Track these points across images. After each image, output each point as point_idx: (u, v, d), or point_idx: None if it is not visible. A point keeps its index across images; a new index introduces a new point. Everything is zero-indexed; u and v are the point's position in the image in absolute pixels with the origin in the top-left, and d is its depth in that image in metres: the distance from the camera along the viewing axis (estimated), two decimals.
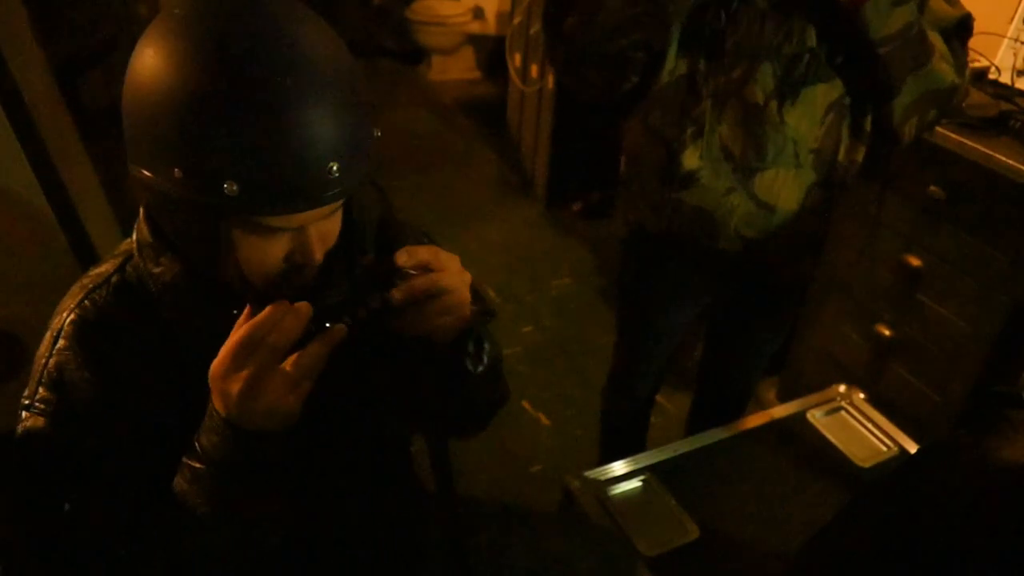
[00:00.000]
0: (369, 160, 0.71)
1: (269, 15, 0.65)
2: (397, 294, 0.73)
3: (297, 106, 0.63)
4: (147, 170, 0.67)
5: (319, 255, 0.73)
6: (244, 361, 0.67)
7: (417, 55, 4.91)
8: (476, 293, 0.88)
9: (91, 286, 0.79)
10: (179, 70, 0.62)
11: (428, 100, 4.63)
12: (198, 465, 0.71)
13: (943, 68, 1.23)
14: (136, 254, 0.79)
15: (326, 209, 0.70)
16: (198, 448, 0.71)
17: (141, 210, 0.79)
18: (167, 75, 0.63)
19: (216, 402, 0.70)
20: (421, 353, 0.85)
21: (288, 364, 0.68)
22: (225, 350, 0.68)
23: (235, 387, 0.67)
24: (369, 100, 0.71)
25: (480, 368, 0.85)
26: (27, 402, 0.77)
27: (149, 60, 0.64)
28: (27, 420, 0.77)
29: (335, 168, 0.66)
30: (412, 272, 0.74)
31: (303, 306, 0.68)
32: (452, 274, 0.76)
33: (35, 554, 0.84)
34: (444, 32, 4.59)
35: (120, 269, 0.80)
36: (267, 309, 0.67)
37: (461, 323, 0.80)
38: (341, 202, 0.72)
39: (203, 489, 0.72)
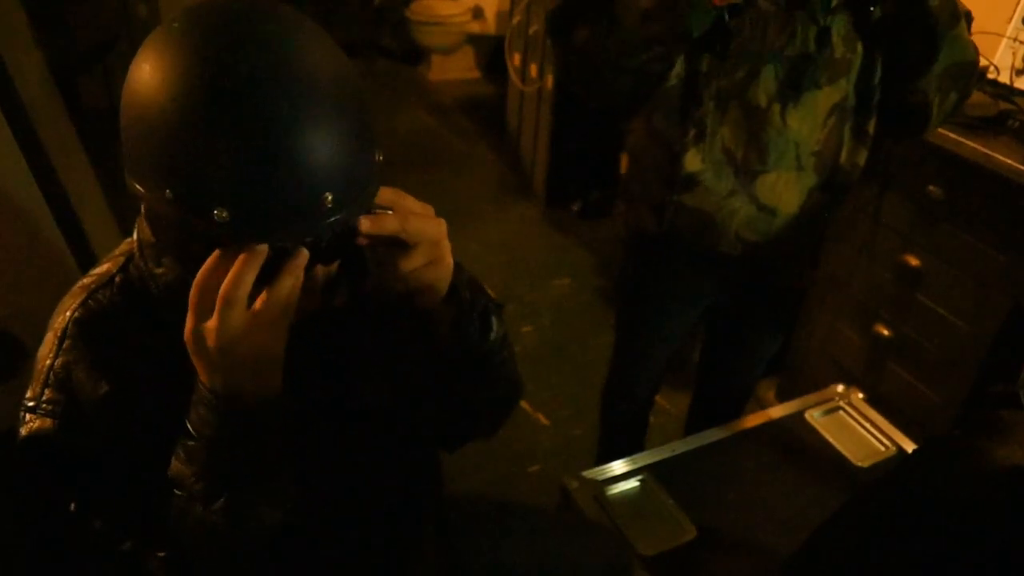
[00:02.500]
0: (371, 187, 0.69)
1: (273, 38, 0.63)
2: (365, 221, 0.68)
3: (293, 135, 0.61)
4: (141, 186, 0.66)
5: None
6: (204, 308, 0.66)
7: (417, 55, 4.91)
8: (479, 286, 0.87)
9: (93, 286, 0.79)
10: (173, 91, 0.61)
11: (428, 100, 4.62)
12: (190, 443, 0.71)
13: (967, 37, 1.24)
14: (137, 254, 0.79)
15: None
16: (189, 426, 0.71)
17: (143, 209, 0.78)
18: (161, 95, 0.61)
19: (200, 372, 0.69)
20: (417, 323, 0.82)
21: (258, 303, 0.66)
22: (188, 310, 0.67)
23: (209, 342, 0.66)
24: (371, 123, 0.69)
25: (486, 344, 0.83)
26: (32, 404, 0.76)
27: (145, 76, 0.63)
28: (33, 422, 0.76)
29: (329, 199, 0.64)
30: (380, 211, 0.70)
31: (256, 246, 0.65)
32: (425, 219, 0.72)
33: (38, 555, 0.84)
34: (444, 32, 4.58)
35: (123, 269, 0.80)
36: (213, 254, 0.66)
37: (445, 275, 0.76)
38: None
39: (197, 466, 0.71)
